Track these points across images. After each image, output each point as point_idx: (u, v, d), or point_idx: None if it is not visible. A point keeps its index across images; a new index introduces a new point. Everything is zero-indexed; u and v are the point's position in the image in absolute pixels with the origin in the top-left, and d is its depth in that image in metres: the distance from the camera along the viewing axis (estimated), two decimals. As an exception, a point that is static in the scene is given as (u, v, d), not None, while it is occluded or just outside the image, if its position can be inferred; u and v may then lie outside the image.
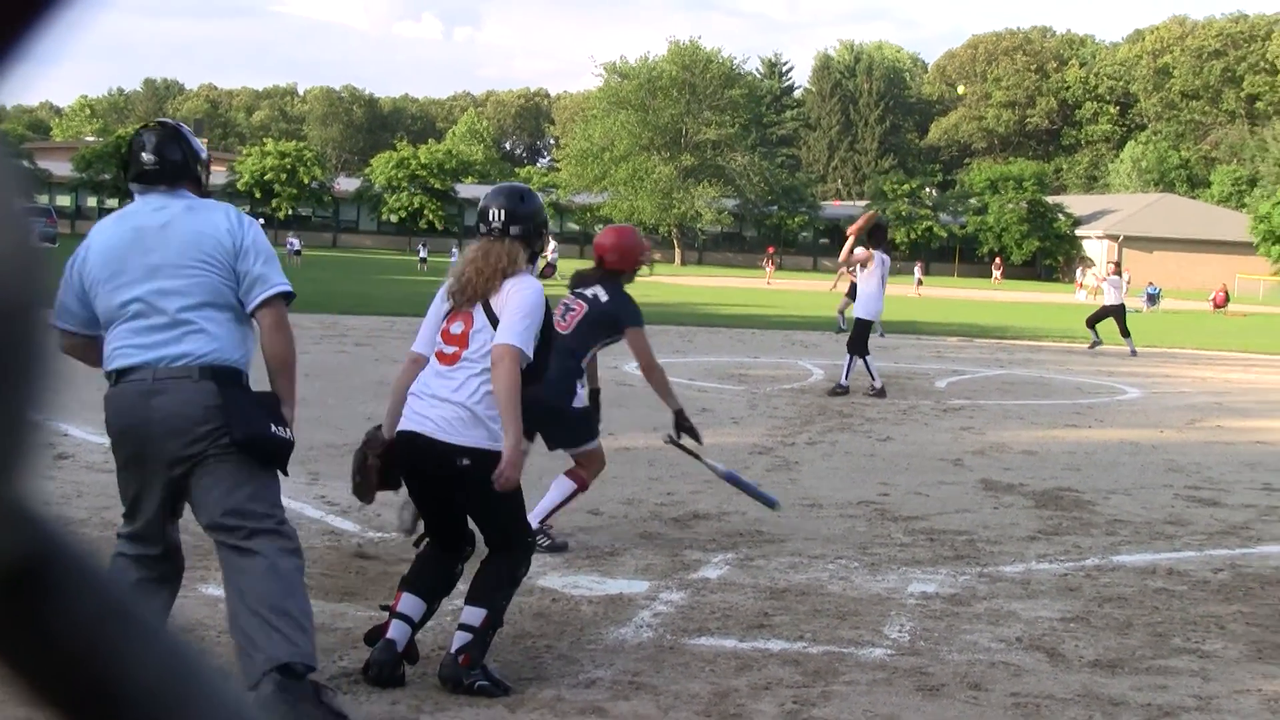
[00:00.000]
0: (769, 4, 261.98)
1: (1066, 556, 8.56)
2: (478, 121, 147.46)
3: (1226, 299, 61.59)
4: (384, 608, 6.04)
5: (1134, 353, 26.96)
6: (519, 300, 5.85)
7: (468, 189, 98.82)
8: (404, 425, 5.91)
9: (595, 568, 7.85)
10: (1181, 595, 7.65)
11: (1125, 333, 27.62)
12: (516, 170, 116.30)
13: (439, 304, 6.09)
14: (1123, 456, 13.23)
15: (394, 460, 5.98)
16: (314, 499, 9.43)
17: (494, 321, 5.84)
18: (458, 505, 5.95)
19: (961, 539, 8.95)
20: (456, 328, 5.94)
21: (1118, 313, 28.05)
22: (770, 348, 25.44)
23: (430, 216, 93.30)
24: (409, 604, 5.89)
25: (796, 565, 8.07)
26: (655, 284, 56.17)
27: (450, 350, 5.92)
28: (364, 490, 6.13)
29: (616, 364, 19.73)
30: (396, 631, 5.81)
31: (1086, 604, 7.39)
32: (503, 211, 6.08)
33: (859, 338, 18.02)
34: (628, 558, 8.13)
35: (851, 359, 18.04)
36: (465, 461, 5.76)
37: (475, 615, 5.79)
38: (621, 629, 6.65)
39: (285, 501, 8.84)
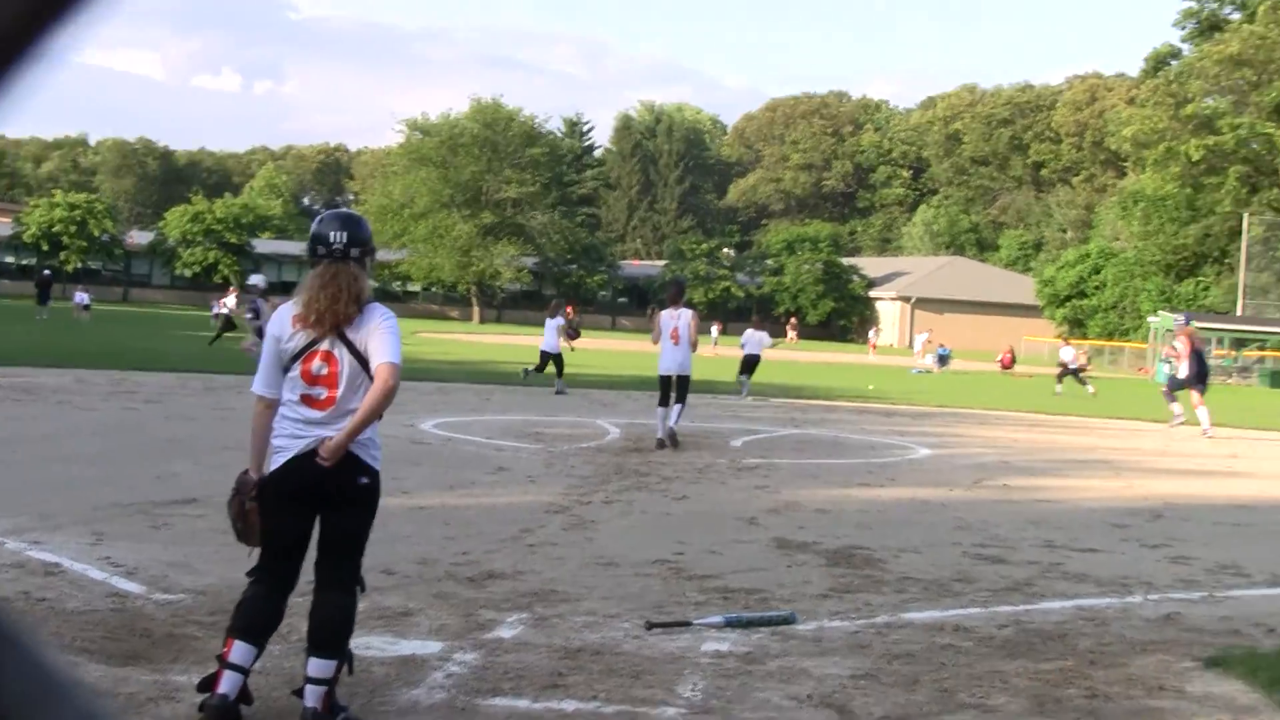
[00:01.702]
0: (571, 64, 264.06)
1: (857, 614, 8.71)
2: (276, 176, 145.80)
3: (1013, 360, 63.40)
4: (217, 658, 5.96)
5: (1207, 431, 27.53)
6: (387, 329, 5.98)
7: (265, 244, 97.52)
8: (298, 449, 5.93)
9: (388, 628, 7.77)
10: (967, 651, 7.83)
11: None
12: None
13: (281, 342, 6.05)
14: (913, 515, 13.54)
15: (279, 491, 5.97)
16: (98, 560, 9.17)
17: (359, 358, 5.87)
18: (332, 530, 5.99)
19: (755, 597, 9.06)
20: (320, 368, 5.94)
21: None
22: (568, 406, 25.50)
23: (226, 271, 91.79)
24: (241, 652, 5.83)
25: (591, 624, 8.08)
26: (452, 341, 56.01)
27: (320, 394, 5.93)
28: (249, 535, 6.12)
29: (413, 423, 19.62)
30: (229, 684, 5.75)
31: (876, 661, 7.53)
32: (344, 234, 6.11)
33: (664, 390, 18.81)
34: (421, 618, 8.05)
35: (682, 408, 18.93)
36: (365, 480, 5.92)
37: (326, 668, 5.80)
38: (414, 690, 6.59)
39: (68, 564, 8.56)
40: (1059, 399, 38.10)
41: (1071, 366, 42.88)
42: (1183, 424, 27.82)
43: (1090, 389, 41.04)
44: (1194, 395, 27.70)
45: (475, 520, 11.79)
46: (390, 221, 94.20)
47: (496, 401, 25.71)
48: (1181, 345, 28.31)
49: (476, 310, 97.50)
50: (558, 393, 28.37)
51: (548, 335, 30.13)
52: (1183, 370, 28.12)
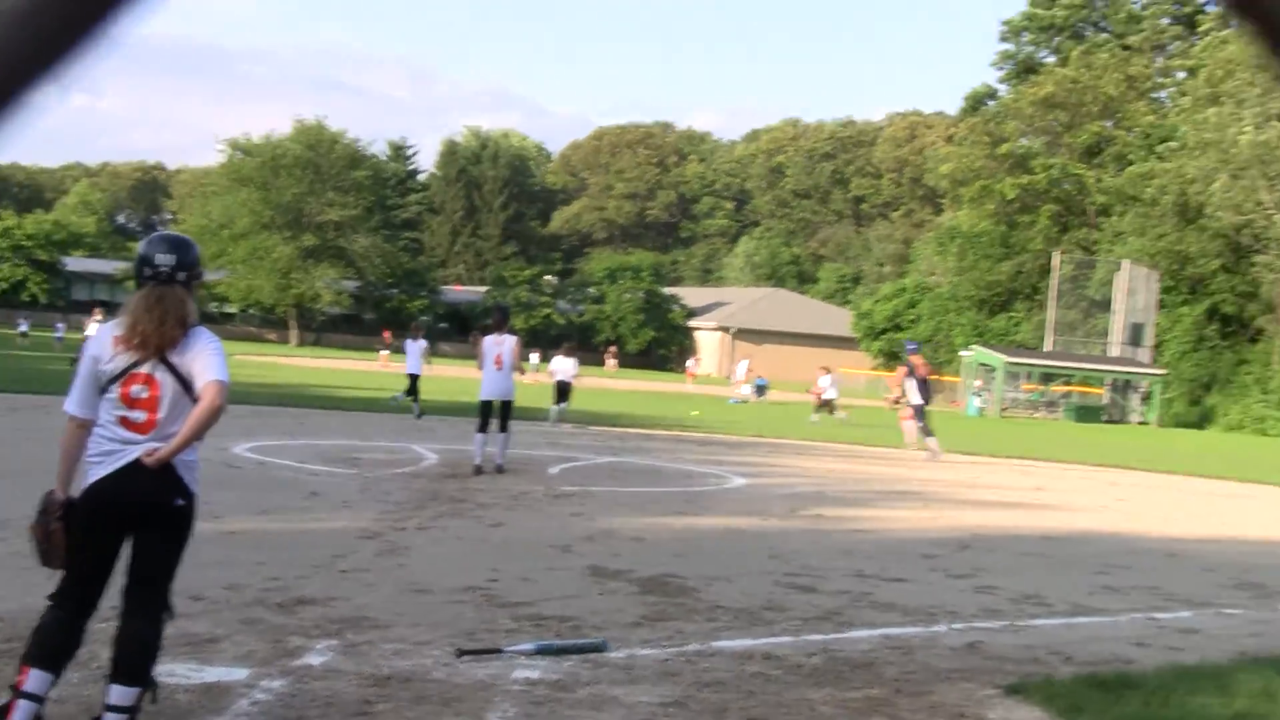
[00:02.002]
0: (397, 86, 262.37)
1: (669, 642, 8.78)
2: (90, 193, 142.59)
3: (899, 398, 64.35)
4: (11, 687, 5.80)
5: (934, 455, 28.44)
6: (213, 351, 5.93)
7: (76, 261, 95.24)
8: (114, 467, 5.81)
9: (193, 655, 7.63)
10: (777, 679, 7.94)
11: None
12: (129, 245, 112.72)
13: (100, 363, 5.93)
14: (727, 543, 13.68)
15: (90, 509, 5.84)
16: (-113, 584, 8.87)
17: (182, 382, 5.79)
18: (142, 553, 5.88)
19: (567, 625, 9.08)
20: (140, 391, 5.83)
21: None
22: (384, 431, 25.30)
23: (34, 289, 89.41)
24: (36, 680, 5.70)
25: (401, 651, 8.03)
26: (270, 365, 55.19)
27: (139, 417, 5.83)
28: (53, 556, 5.95)
29: (225, 446, 19.30)
30: (23, 714, 5.62)
31: (686, 689, 7.59)
32: (172, 257, 6.03)
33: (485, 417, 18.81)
34: (228, 644, 7.93)
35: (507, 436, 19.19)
36: (180, 501, 5.84)
37: (128, 695, 5.69)
38: (218, 719, 6.49)
39: None
40: (851, 429, 38.75)
41: (825, 397, 43.66)
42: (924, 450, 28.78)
43: (839, 416, 41.84)
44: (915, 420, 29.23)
45: (287, 545, 11.64)
46: (209, 242, 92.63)
47: (312, 425, 25.41)
48: (915, 371, 29.29)
49: (294, 333, 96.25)
50: (418, 417, 28.49)
51: (410, 358, 30.22)
52: (915, 398, 29.07)
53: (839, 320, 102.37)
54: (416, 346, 30.46)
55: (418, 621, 8.92)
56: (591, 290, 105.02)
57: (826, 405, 43.13)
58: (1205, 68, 71.24)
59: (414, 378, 30.11)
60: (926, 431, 29.04)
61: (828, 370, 45.08)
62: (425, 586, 10.18)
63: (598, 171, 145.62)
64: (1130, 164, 78.81)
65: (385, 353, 71.39)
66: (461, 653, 8.02)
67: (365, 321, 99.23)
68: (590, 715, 6.95)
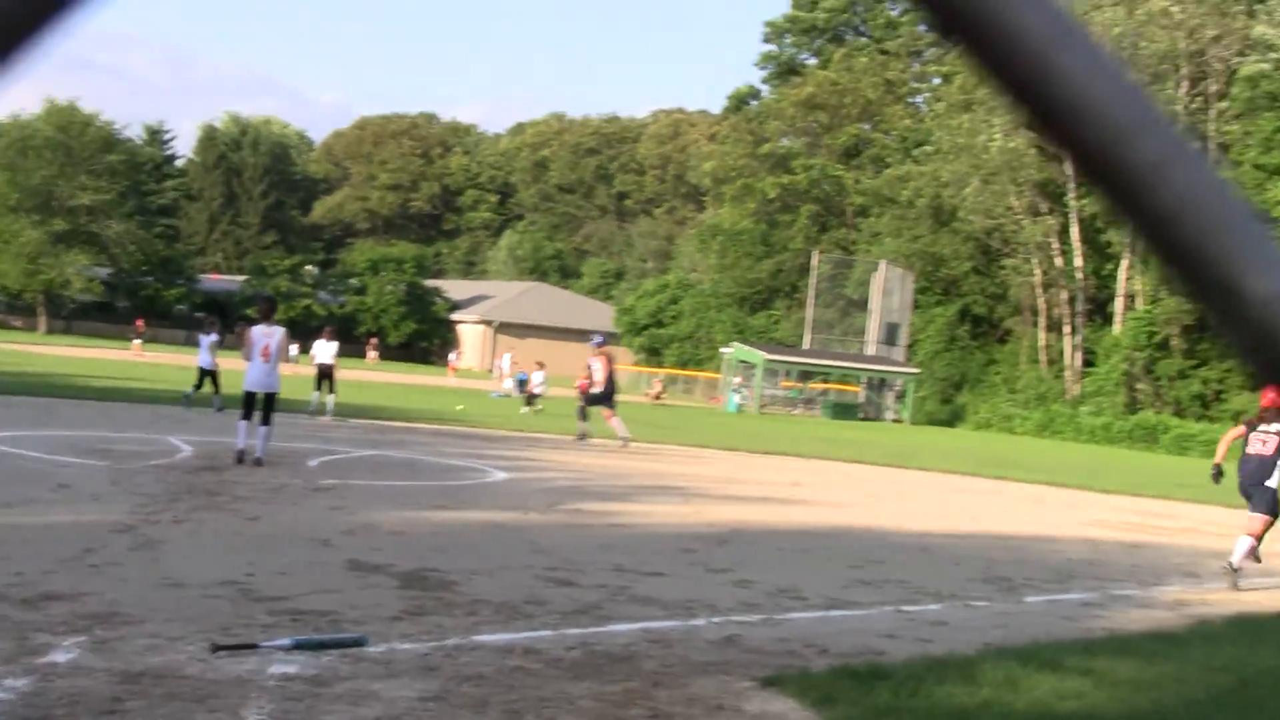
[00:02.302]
0: (154, 69, 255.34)
1: (429, 636, 8.75)
2: None
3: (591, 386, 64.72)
4: None
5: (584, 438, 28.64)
6: None
7: None
8: None
9: (-70, 654, 7.35)
10: (536, 673, 7.97)
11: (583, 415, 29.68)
12: None
13: None
14: (487, 537, 13.67)
15: None
16: None
17: None
18: None
19: (326, 619, 8.98)
20: None
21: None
22: (137, 422, 24.66)
23: None
24: None
25: (154, 647, 7.85)
26: (16, 353, 53.29)
27: None
28: None
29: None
30: None
31: (445, 683, 7.57)
32: None
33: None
34: (-32, 643, 7.66)
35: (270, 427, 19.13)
36: None
37: None
38: (-43, 719, 6.27)
39: None
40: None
41: (534, 391, 44.20)
42: (589, 440, 29.65)
43: (537, 408, 42.19)
44: (604, 411, 30.24)
45: (33, 539, 11.28)
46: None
47: (62, 415, 24.63)
48: (599, 365, 30.14)
49: (43, 320, 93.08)
50: (218, 410, 27.81)
51: (203, 352, 29.51)
52: (597, 389, 30.09)
53: (602, 315, 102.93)
54: (208, 340, 29.82)
55: (171, 617, 8.73)
56: (353, 281, 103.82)
57: (532, 398, 43.55)
58: (959, 75, 73.48)
59: (205, 372, 29.37)
60: (584, 416, 30.18)
61: (541, 366, 45.72)
62: (180, 580, 9.97)
63: (360, 161, 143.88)
64: (887, 166, 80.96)
65: (138, 342, 69.44)
66: (216, 648, 7.87)
67: (119, 310, 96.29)
68: (349, 711, 6.90)
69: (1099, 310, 71.67)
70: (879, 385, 71.58)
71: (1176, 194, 0.36)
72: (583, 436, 29.78)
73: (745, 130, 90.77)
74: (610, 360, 30.62)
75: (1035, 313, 72.49)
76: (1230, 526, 21.77)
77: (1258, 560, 15.09)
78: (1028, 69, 0.35)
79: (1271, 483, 15.08)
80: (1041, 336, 72.15)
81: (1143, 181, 0.36)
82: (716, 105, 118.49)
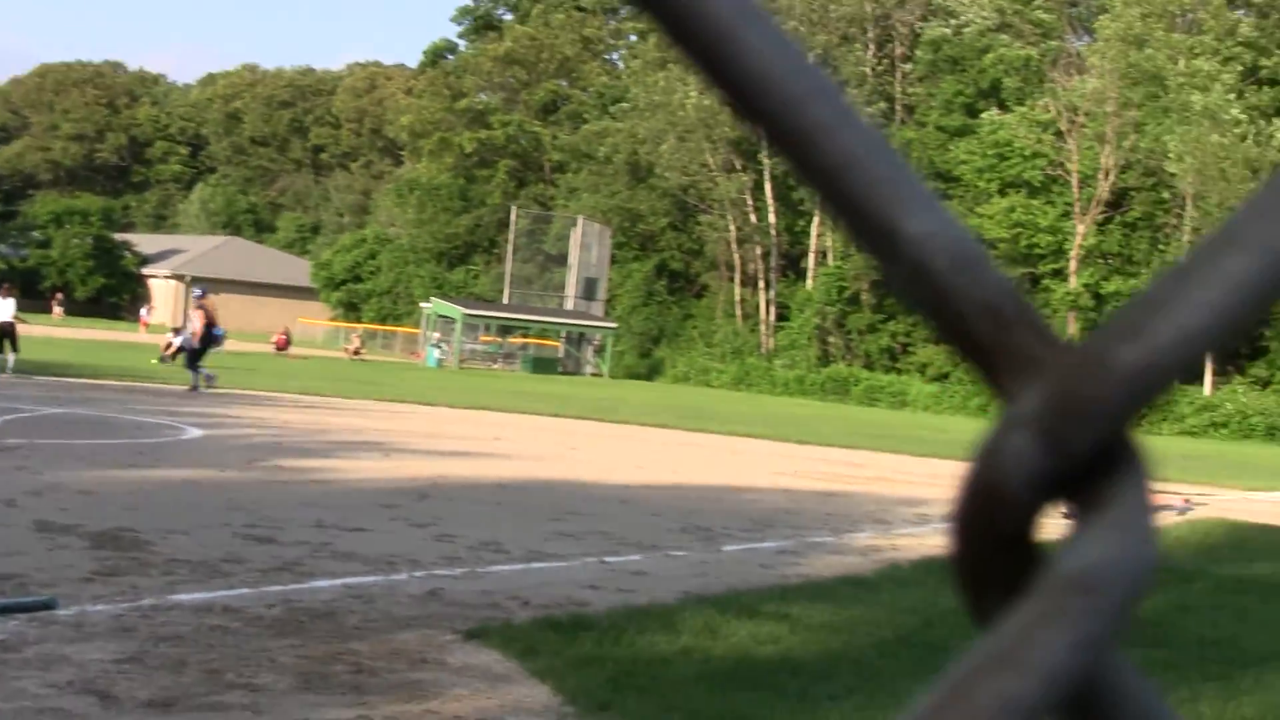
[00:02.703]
0: None
1: (123, 597, 8.48)
2: None
3: (288, 342, 63.73)
4: None
5: (196, 389, 28.15)
6: None
7: None
8: None
9: None
10: (236, 632, 7.81)
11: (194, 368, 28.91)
12: None
13: None
14: (182, 496, 13.32)
15: None
16: None
17: None
18: None
19: (12, 583, 8.63)
20: None
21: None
22: None
23: None
24: None
25: None
26: None
27: None
28: None
29: None
30: None
31: (142, 644, 7.36)
32: None
33: None
34: None
35: None
36: None
37: None
38: None
39: None
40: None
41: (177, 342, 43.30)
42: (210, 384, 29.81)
43: (168, 361, 41.10)
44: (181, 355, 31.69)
45: None
46: None
47: None
48: (196, 317, 30.95)
49: None
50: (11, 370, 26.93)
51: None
52: (194, 339, 30.68)
53: (298, 270, 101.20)
54: (4, 304, 29.13)
55: None
56: (36, 234, 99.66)
57: (175, 354, 42.43)
58: (655, 32, 74.15)
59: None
60: (190, 367, 30.43)
61: (178, 330, 44.57)
62: None
63: (42, 110, 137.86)
64: (585, 123, 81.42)
65: None
66: None
67: None
68: (38, 675, 6.65)
69: (792, 266, 73.58)
70: (578, 340, 72.13)
71: (842, 152, 0.41)
72: (195, 387, 29.33)
73: (442, 85, 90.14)
74: (208, 313, 30.29)
75: (731, 268, 73.98)
76: (917, 475, 22.69)
77: None
78: (711, 43, 0.41)
79: None
80: (737, 291, 73.70)
81: (813, 142, 0.41)
82: (413, 59, 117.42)
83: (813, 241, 70.65)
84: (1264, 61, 59.26)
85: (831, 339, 67.70)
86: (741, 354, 69.80)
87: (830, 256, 69.30)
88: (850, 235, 0.42)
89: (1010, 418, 0.39)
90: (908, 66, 71.34)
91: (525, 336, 71.61)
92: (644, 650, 7.93)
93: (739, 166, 71.64)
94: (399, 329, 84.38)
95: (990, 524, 0.39)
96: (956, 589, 0.40)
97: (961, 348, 0.40)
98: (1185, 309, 0.38)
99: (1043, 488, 0.38)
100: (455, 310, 66.88)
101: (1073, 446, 0.38)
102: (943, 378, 61.53)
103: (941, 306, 0.40)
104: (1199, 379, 55.00)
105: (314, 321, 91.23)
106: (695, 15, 0.41)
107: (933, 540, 14.33)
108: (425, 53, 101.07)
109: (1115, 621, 0.38)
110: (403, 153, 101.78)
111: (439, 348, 66.38)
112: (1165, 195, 60.85)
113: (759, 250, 72.45)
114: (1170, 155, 56.44)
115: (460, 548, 11.44)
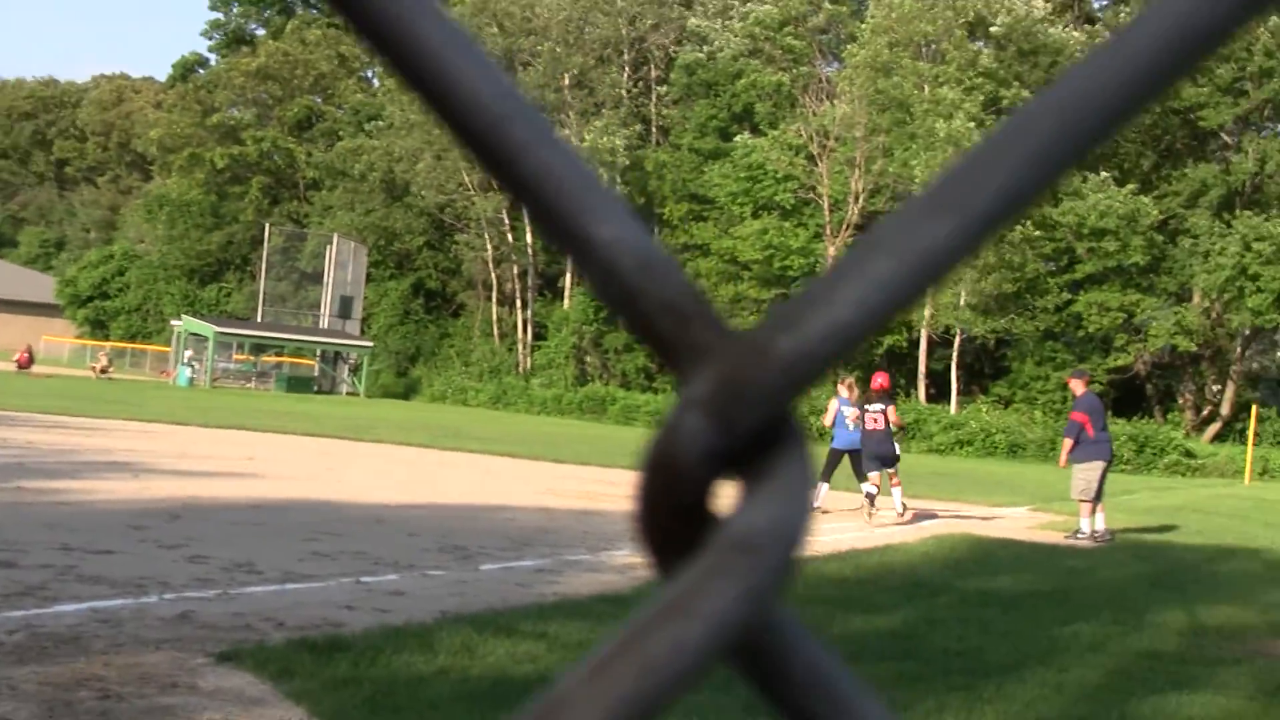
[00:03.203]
0: None
1: None
2: None
3: (31, 360, 61.61)
4: None
5: None
6: None
7: None
8: None
9: None
10: (-26, 659, 7.53)
11: None
12: None
13: None
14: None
15: None
16: None
17: None
18: None
19: None
20: None
21: None
22: None
23: None
24: None
25: None
26: None
27: None
28: None
29: None
30: None
31: None
32: None
33: None
34: None
35: None
36: None
37: None
38: None
39: None
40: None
41: None
42: None
43: None
44: None
45: None
46: None
47: None
48: None
49: None
50: None
51: None
52: None
53: (42, 287, 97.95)
54: None
55: None
56: None
57: None
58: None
59: None
60: None
61: None
62: None
63: None
64: (340, 140, 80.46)
65: None
66: None
67: None
68: None
69: (549, 285, 73.76)
70: (334, 358, 71.25)
71: (540, 166, 0.46)
72: None
73: (193, 99, 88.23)
74: None
75: (488, 287, 73.84)
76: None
77: (872, 499, 19.97)
78: (425, 69, 0.45)
79: (888, 447, 20.02)
80: (494, 310, 73.59)
81: (515, 158, 0.45)
82: (162, 73, 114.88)
83: (569, 261, 70.96)
84: (1004, 92, 61.48)
85: (589, 358, 68.04)
86: (499, 373, 69.69)
87: (587, 276, 69.53)
88: (551, 241, 0.47)
89: (685, 400, 0.44)
90: (663, 89, 72.21)
91: (280, 355, 70.43)
92: (401, 670, 7.86)
93: (496, 186, 71.27)
94: (149, 347, 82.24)
95: (668, 493, 0.44)
96: (641, 550, 0.45)
97: (648, 340, 0.45)
98: (836, 304, 0.43)
99: (713, 462, 0.43)
100: (207, 328, 65.47)
101: (738, 425, 0.43)
102: (698, 396, 62.28)
103: (629, 304, 0.45)
104: (850, 362, 57.06)
105: (59, 339, 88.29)
106: (410, 43, 0.45)
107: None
108: (174, 66, 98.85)
109: (776, 576, 0.42)
110: (152, 168, 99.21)
111: (190, 366, 64.88)
112: (911, 219, 62.61)
113: (516, 269, 72.46)
114: (917, 180, 58.18)
115: (213, 569, 11.19)
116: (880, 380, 20.67)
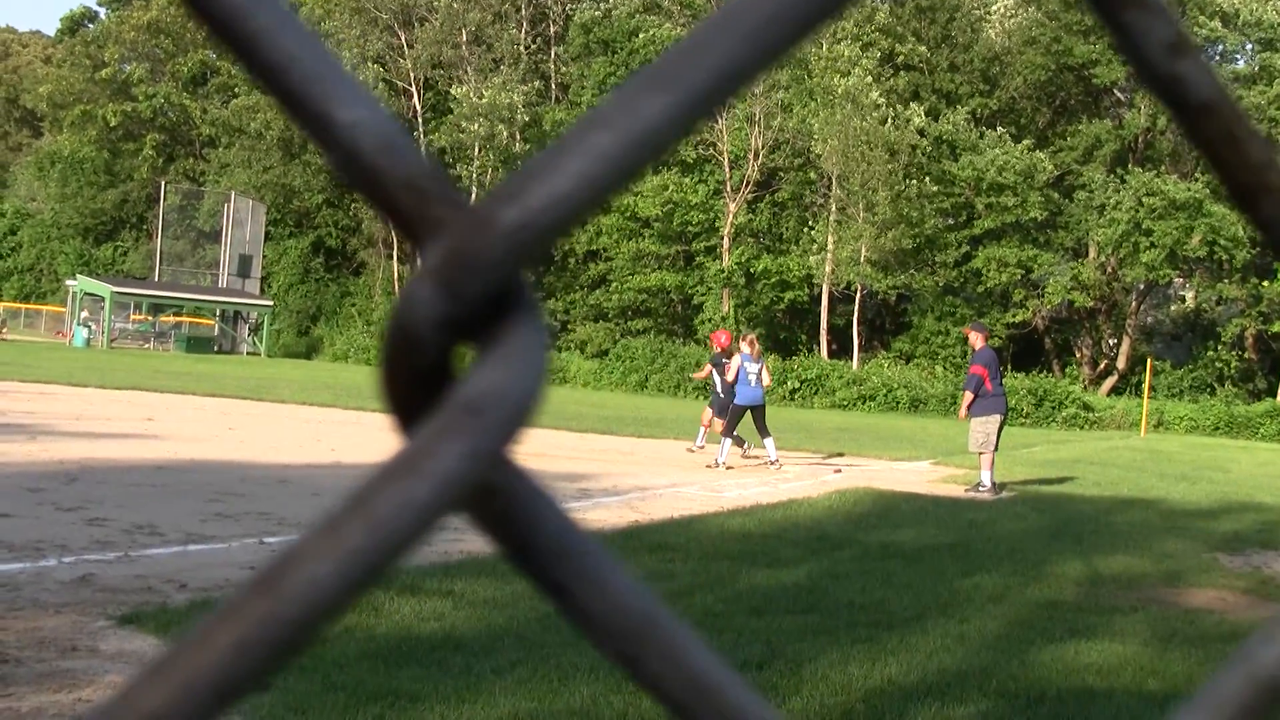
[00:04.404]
0: None
1: None
2: None
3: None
4: None
5: None
6: None
7: None
8: None
9: None
10: None
11: None
12: None
13: None
14: None
15: None
16: None
17: None
18: None
19: None
20: None
21: None
22: None
23: None
24: None
25: None
26: None
27: None
28: None
29: None
30: None
31: None
32: None
33: None
34: None
35: None
36: None
37: None
38: None
39: None
40: None
41: None
42: None
43: None
44: None
45: None
46: None
47: None
48: None
49: None
50: None
51: None
52: None
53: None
54: None
55: None
56: None
57: None
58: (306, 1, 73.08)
59: None
60: None
61: None
62: None
63: None
64: (236, 96, 79.43)
65: None
66: None
67: None
68: None
69: (453, 241, 73.25)
70: (233, 318, 70.55)
71: (282, 52, 0.46)
72: None
73: (83, 54, 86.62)
74: None
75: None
76: (578, 450, 23.00)
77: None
78: (229, 28, 0.47)
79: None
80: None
81: (258, 44, 0.46)
82: (50, 26, 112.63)
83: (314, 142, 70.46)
84: (900, 48, 61.91)
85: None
86: (401, 331, 69.26)
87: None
88: (298, 126, 0.48)
89: (420, 271, 0.46)
90: (560, 49, 71.95)
91: (178, 315, 69.59)
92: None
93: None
94: (44, 307, 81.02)
95: (405, 359, 0.46)
96: (386, 414, 0.48)
97: (391, 217, 0.48)
98: (557, 177, 0.46)
99: (445, 329, 0.46)
100: (104, 288, 64.56)
101: (466, 293, 0.46)
102: (602, 354, 62.41)
103: (372, 183, 0.47)
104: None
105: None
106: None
107: (594, 515, 14.54)
108: (63, 20, 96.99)
109: (502, 437, 0.45)
110: (42, 124, 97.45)
111: (87, 327, 63.98)
112: (812, 175, 62.97)
113: (417, 226, 71.81)
114: (815, 136, 58.46)
115: (113, 531, 11.05)
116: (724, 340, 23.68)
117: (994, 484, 19.29)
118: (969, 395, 19.64)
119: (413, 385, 0.47)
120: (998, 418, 19.49)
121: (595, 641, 0.49)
